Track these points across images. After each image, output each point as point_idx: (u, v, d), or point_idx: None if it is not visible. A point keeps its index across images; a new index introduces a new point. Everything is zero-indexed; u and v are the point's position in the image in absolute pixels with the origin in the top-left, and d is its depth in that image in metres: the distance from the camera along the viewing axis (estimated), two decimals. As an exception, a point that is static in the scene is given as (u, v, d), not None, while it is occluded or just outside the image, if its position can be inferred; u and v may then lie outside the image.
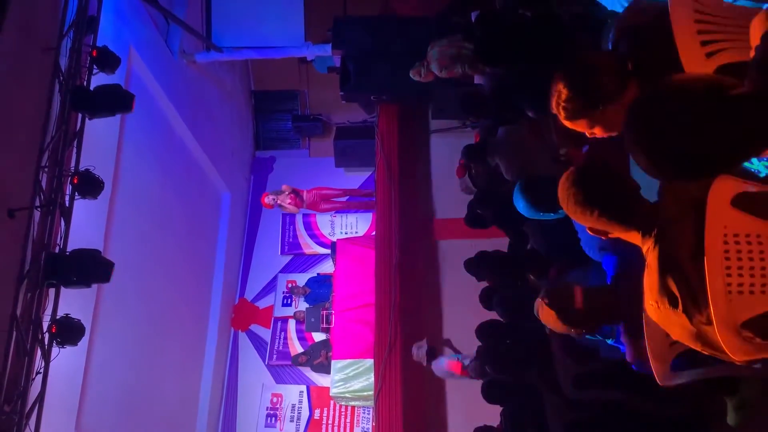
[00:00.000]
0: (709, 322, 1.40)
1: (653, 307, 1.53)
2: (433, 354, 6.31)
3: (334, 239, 9.36)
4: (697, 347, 1.50)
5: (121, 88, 5.19)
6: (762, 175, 1.54)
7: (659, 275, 1.50)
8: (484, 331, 4.26)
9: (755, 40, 1.29)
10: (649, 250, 1.59)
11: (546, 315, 2.33)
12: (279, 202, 8.49)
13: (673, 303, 1.46)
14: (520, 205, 3.20)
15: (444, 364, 6.04)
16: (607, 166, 1.83)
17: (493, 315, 4.23)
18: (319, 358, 8.95)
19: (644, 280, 1.57)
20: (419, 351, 6.35)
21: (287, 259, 10.15)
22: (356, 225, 9.90)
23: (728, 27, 1.75)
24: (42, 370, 4.53)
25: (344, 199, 8.60)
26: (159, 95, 7.17)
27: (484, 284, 4.84)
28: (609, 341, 2.45)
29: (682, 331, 1.49)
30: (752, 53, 1.28)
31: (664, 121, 1.15)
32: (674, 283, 1.46)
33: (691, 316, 1.44)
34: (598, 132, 1.86)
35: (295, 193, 8.59)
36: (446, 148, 6.96)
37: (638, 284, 1.60)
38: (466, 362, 5.59)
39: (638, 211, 1.70)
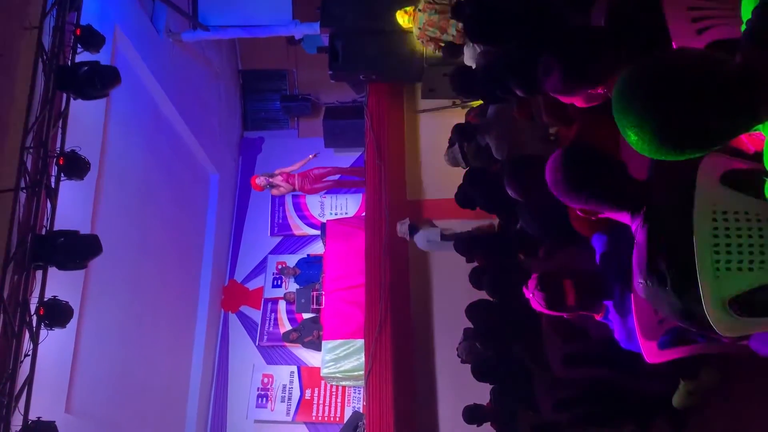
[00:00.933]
0: (698, 300, 1.40)
1: (642, 285, 1.53)
2: (414, 229, 6.58)
3: (323, 220, 9.37)
4: (686, 325, 1.50)
5: (100, 65, 5.04)
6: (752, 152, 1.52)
7: (648, 253, 1.50)
8: (473, 311, 4.21)
9: (747, 14, 1.26)
10: (638, 228, 1.59)
11: (537, 305, 2.35)
12: (271, 181, 8.39)
13: (662, 281, 1.46)
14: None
15: (424, 233, 6.43)
16: (594, 148, 1.81)
17: (483, 295, 4.14)
18: (310, 336, 8.98)
19: (633, 258, 1.57)
20: (402, 227, 6.59)
21: (277, 240, 10.14)
22: (346, 206, 9.92)
23: (719, 3, 1.77)
24: (30, 353, 4.52)
25: (335, 177, 8.60)
26: (145, 75, 7.11)
27: (473, 265, 4.77)
28: (597, 313, 2.46)
29: (671, 309, 1.49)
30: (743, 28, 1.26)
31: (654, 96, 1.13)
32: (664, 261, 1.46)
33: (680, 293, 1.45)
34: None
35: (285, 173, 8.49)
36: (436, 128, 6.87)
37: (627, 262, 1.60)
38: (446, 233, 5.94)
39: (627, 191, 1.70)
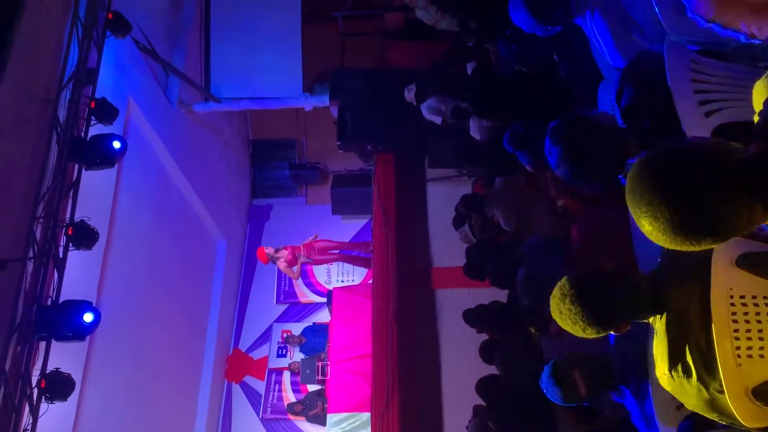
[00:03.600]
0: (722, 390, 1.36)
1: (666, 377, 1.48)
2: (423, 95, 6.26)
3: (330, 287, 9.33)
4: (713, 416, 1.45)
5: (109, 137, 5.12)
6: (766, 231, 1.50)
7: (669, 344, 1.46)
8: (484, 387, 4.20)
9: (758, 105, 1.28)
10: (656, 318, 1.55)
11: (552, 398, 2.34)
12: (276, 255, 8.53)
13: (687, 373, 1.42)
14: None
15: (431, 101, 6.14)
16: (602, 274, 1.73)
17: (494, 369, 4.16)
18: (315, 408, 8.78)
19: (654, 348, 1.53)
20: (409, 93, 6.34)
21: (283, 308, 10.07)
22: (353, 273, 9.85)
23: (725, 86, 1.79)
24: (30, 427, 4.40)
25: (336, 252, 8.64)
26: (157, 145, 7.21)
27: (483, 335, 4.77)
28: (614, 396, 2.43)
29: (697, 401, 1.45)
30: (756, 118, 1.26)
31: (668, 187, 1.12)
32: (689, 353, 1.42)
33: (706, 385, 1.41)
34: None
35: (291, 248, 8.61)
36: (443, 197, 6.99)
37: (644, 348, 1.57)
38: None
39: (643, 302, 1.62)
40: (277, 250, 8.63)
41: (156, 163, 7.40)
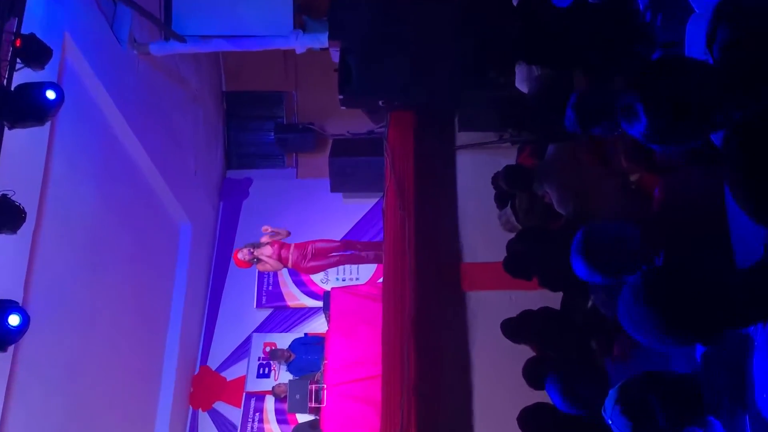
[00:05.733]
0: None
1: None
2: None
3: (328, 288, 9.23)
4: None
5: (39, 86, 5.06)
6: None
7: None
8: (529, 420, 4.18)
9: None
10: (761, 330, 1.60)
11: None
12: (257, 254, 8.34)
13: None
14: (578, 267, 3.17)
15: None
16: (686, 266, 1.78)
17: (542, 395, 4.03)
18: (306, 446, 8.83)
19: (758, 368, 1.57)
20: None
21: (265, 313, 10.00)
22: (357, 270, 9.78)
23: None
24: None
25: (337, 254, 8.54)
26: (101, 98, 7.14)
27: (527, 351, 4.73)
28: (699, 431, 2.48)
29: None
30: None
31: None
32: None
33: None
34: None
35: (279, 242, 8.42)
36: (478, 169, 6.90)
37: (740, 365, 1.61)
38: None
39: (742, 305, 1.65)
40: (256, 246, 8.42)
41: (100, 120, 7.32)
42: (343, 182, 9.23)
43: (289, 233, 8.53)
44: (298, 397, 8.79)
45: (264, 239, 8.41)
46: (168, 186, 8.73)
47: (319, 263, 8.55)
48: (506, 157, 6.21)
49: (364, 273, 9.75)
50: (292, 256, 8.36)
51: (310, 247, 8.40)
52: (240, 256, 8.36)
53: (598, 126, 3.21)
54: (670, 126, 1.95)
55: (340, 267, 9.67)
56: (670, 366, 2.56)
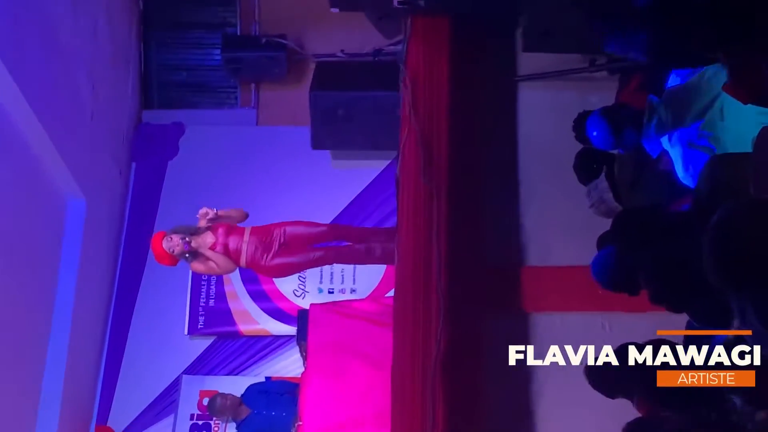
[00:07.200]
0: None
1: None
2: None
3: (305, 304, 8.75)
4: None
5: None
6: None
7: None
8: None
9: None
10: None
11: None
12: (193, 245, 7.54)
13: None
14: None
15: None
16: None
17: None
18: None
19: None
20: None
21: (202, 344, 9.47)
22: (352, 274, 9.37)
23: None
24: None
25: (321, 247, 7.84)
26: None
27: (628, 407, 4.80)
28: None
29: None
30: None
31: None
32: None
33: None
34: None
35: (225, 226, 7.66)
36: (552, 114, 6.79)
37: None
38: None
39: None
40: (193, 233, 7.58)
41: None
42: (331, 133, 8.70)
43: (245, 215, 7.83)
44: (255, 478, 8.29)
45: (202, 224, 7.66)
46: (51, 140, 8.20)
47: (291, 260, 7.84)
48: (600, 94, 6.36)
49: (362, 280, 9.25)
50: (247, 247, 7.64)
51: (277, 233, 7.68)
52: (165, 245, 7.58)
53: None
54: None
55: (325, 268, 9.24)
56: None
